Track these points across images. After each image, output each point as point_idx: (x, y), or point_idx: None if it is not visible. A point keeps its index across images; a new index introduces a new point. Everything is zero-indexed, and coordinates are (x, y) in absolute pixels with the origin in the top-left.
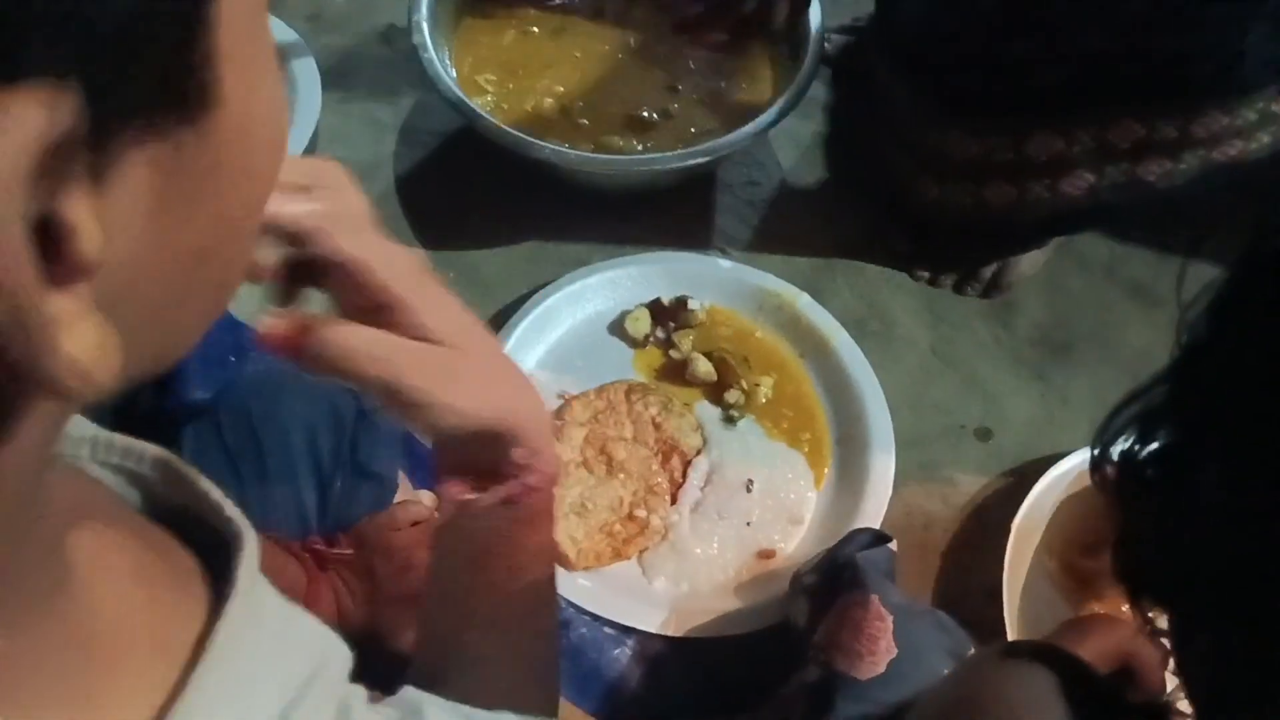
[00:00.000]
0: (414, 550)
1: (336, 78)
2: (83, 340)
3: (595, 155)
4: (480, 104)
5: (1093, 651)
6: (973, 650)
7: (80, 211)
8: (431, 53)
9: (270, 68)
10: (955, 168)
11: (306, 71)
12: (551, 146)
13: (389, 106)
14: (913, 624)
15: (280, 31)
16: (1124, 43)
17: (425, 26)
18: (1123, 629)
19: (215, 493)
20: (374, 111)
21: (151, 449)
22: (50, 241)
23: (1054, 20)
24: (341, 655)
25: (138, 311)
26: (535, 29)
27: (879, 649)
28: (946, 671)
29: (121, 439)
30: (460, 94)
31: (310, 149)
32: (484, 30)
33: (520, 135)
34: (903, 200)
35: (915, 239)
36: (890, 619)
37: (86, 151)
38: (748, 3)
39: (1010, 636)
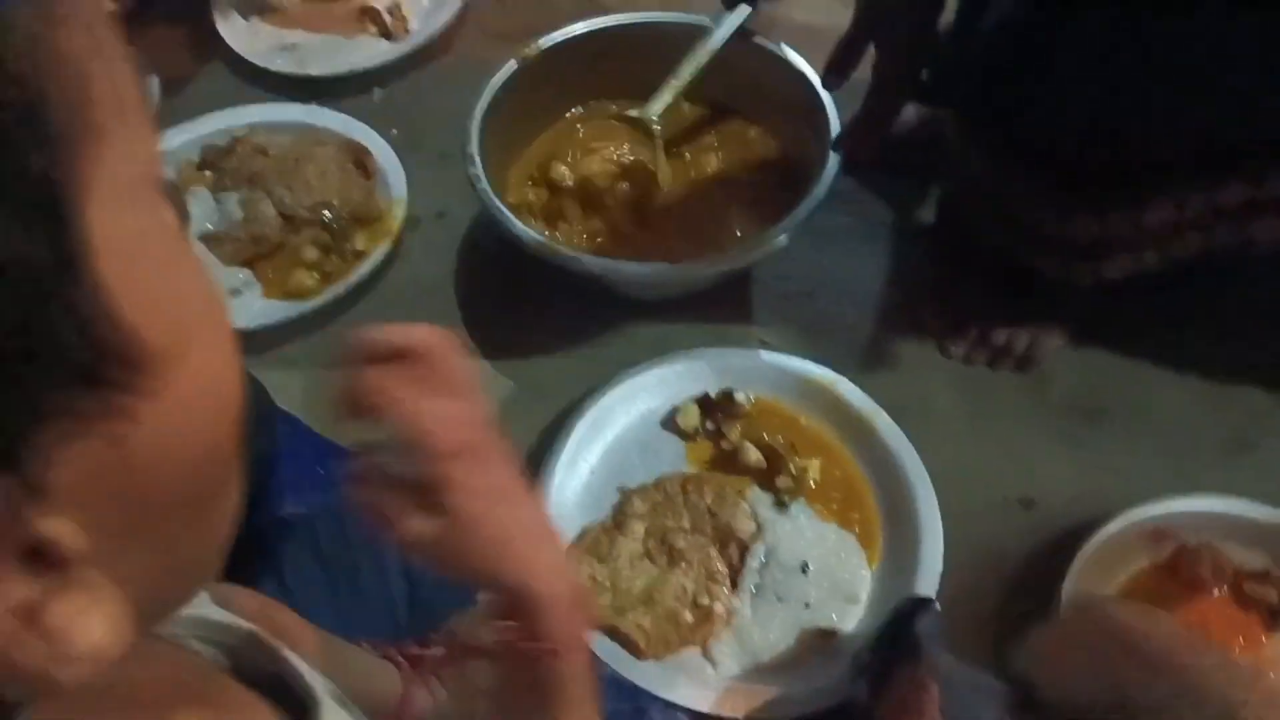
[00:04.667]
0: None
1: None
2: (92, 632)
3: (642, 266)
4: (534, 224)
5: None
6: None
7: (47, 525)
8: (485, 183)
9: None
10: (1079, 250)
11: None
12: (601, 261)
13: (445, 229)
14: (965, 693)
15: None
16: (1232, 113)
17: (478, 157)
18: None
19: (296, 662)
20: (431, 234)
21: (245, 625)
22: (38, 556)
23: (1160, 102)
24: None
25: (137, 567)
26: (581, 150)
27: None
28: None
29: (217, 616)
30: (513, 218)
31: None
32: (535, 155)
33: (571, 253)
34: (1021, 280)
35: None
36: (935, 688)
37: (20, 491)
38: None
39: None
